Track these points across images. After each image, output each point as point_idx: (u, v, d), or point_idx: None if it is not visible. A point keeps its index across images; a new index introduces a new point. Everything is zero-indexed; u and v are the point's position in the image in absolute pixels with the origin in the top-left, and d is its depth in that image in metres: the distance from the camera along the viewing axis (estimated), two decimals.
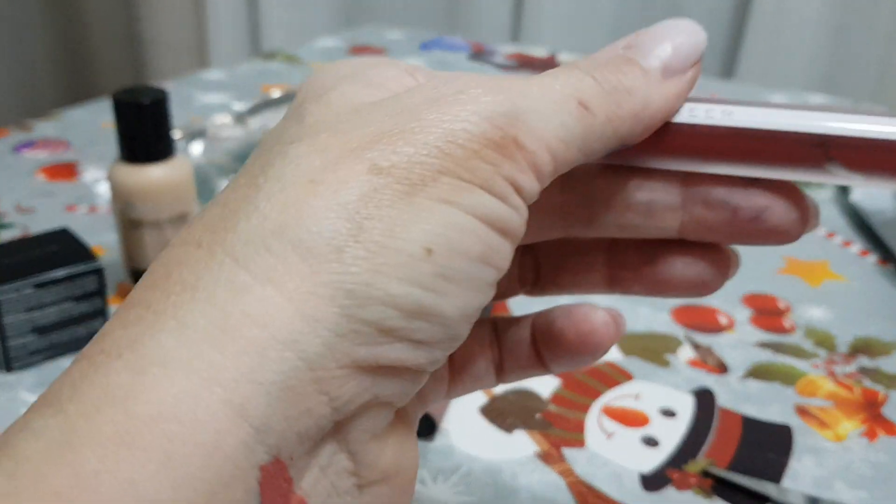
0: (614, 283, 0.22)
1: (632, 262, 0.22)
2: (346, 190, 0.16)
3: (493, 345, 0.23)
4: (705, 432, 0.36)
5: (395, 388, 0.17)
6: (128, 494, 0.14)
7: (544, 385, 0.39)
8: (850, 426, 0.37)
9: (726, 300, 0.46)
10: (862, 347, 0.43)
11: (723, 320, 0.44)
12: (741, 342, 0.43)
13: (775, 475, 0.34)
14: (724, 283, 0.22)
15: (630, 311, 0.45)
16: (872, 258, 0.51)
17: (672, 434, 0.36)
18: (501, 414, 0.37)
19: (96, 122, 0.70)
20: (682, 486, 0.33)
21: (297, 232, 0.16)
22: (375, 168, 0.16)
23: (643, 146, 0.20)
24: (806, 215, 0.20)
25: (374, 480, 0.18)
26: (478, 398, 0.38)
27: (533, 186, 0.18)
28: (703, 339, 0.43)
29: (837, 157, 0.19)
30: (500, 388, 0.38)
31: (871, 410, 0.38)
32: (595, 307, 0.21)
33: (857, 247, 0.53)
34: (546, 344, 0.22)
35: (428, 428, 0.35)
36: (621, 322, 0.21)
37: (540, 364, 0.23)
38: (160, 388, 0.15)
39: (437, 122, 0.17)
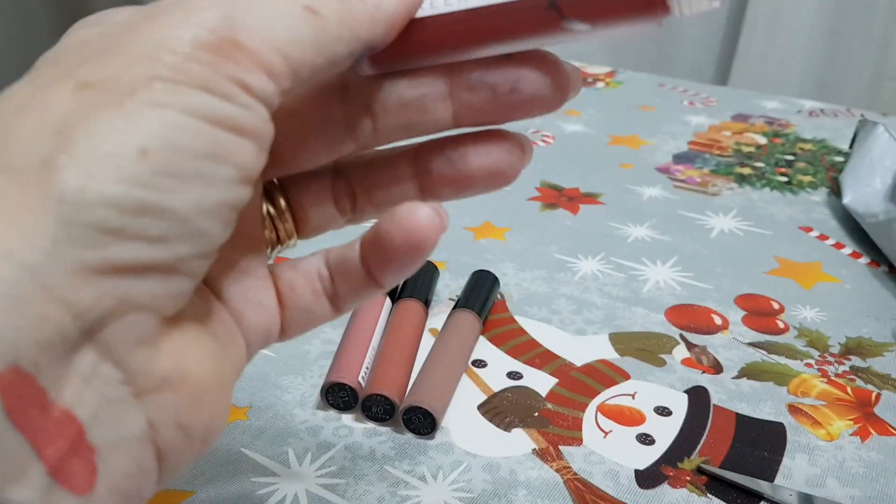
0: (425, 191, 0.23)
1: (433, 166, 0.23)
2: (52, 108, 0.17)
3: (322, 275, 0.23)
4: (700, 430, 0.37)
5: (145, 290, 0.17)
6: None
7: (542, 384, 0.39)
8: (843, 425, 0.37)
9: (720, 301, 0.47)
10: (854, 348, 0.43)
11: (717, 321, 0.45)
12: (735, 342, 0.43)
13: (769, 473, 0.34)
14: (520, 168, 0.23)
15: (626, 312, 0.45)
16: (864, 260, 0.52)
17: (667, 432, 0.37)
18: (500, 412, 0.37)
19: None
20: (676, 483, 0.34)
21: (3, 156, 0.16)
22: (83, 83, 0.17)
23: (398, 47, 0.20)
24: (562, 80, 0.21)
25: (151, 388, 0.18)
26: (477, 397, 0.38)
27: (266, 85, 0.18)
28: (698, 339, 0.43)
29: (570, 14, 0.19)
30: (499, 387, 0.39)
31: (863, 410, 0.38)
32: (418, 203, 0.20)
33: (848, 249, 0.53)
34: (375, 255, 0.22)
35: (428, 426, 0.35)
36: (445, 215, 0.21)
37: (372, 282, 0.22)
38: None
39: (148, 33, 0.18)
